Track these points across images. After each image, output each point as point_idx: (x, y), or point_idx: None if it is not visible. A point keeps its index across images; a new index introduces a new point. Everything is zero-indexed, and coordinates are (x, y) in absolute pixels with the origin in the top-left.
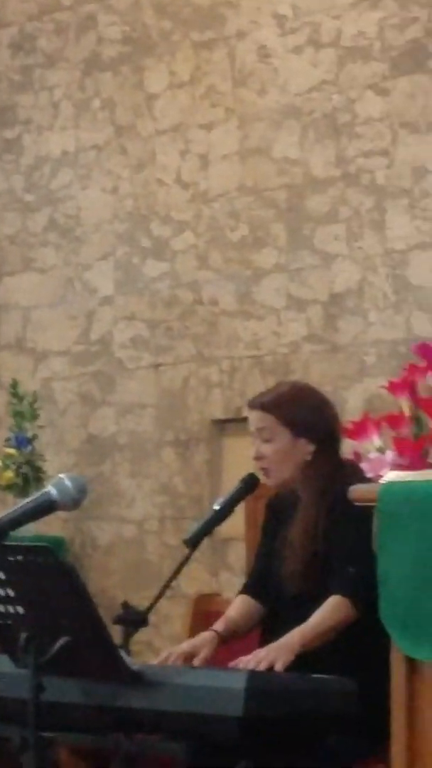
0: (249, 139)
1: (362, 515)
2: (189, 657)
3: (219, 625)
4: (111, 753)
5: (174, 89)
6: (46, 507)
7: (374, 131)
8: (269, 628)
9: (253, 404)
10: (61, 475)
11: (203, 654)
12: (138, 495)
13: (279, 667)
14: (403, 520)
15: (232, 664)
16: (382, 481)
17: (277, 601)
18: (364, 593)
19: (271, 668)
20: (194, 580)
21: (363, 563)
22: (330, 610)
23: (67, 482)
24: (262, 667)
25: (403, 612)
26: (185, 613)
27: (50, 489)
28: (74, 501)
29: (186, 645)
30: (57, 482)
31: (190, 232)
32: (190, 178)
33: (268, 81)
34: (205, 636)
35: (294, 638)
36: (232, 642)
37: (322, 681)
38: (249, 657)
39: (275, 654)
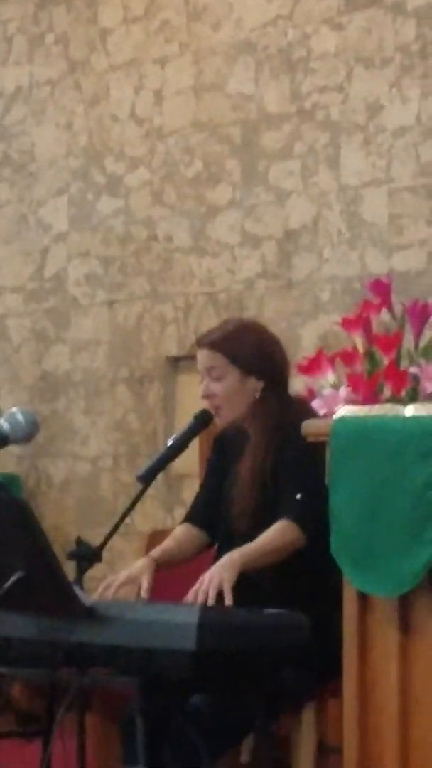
0: (203, 75)
1: (312, 450)
2: (129, 586)
3: (155, 552)
4: (64, 688)
5: (128, 24)
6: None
7: (329, 67)
8: None
9: (202, 343)
10: (13, 409)
11: (146, 583)
12: (92, 432)
13: (227, 588)
14: (355, 456)
15: (184, 599)
16: (335, 416)
17: (226, 539)
18: (312, 521)
19: (221, 600)
20: (148, 517)
21: (311, 493)
22: (275, 533)
23: (19, 416)
24: (213, 588)
25: (354, 547)
26: (139, 550)
27: (2, 423)
28: (26, 435)
29: (124, 575)
30: (9, 416)
31: (144, 169)
32: (144, 113)
33: (223, 16)
34: (142, 564)
35: (234, 556)
36: (172, 569)
37: (275, 615)
38: (195, 586)
39: (219, 573)
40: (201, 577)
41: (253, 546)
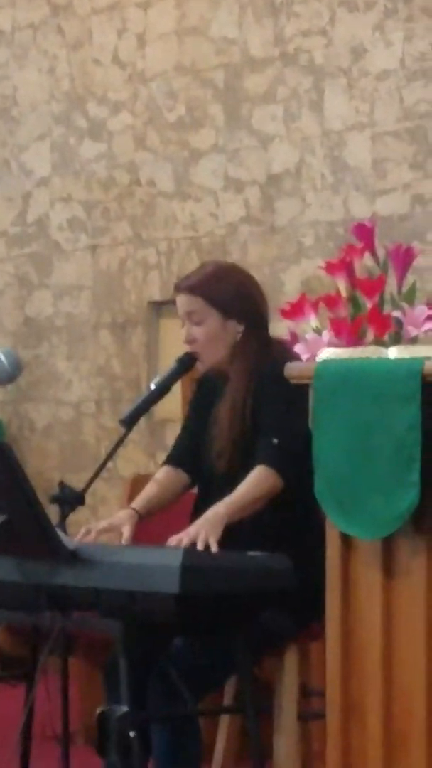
0: (186, 18)
1: (291, 392)
2: (109, 533)
3: (137, 503)
4: (48, 631)
5: None
6: None
7: (312, 10)
8: (201, 506)
9: (180, 287)
10: None
11: (126, 533)
12: (75, 377)
13: (213, 543)
14: (338, 398)
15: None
16: (318, 358)
17: (207, 481)
18: (290, 465)
19: (207, 548)
20: (131, 462)
21: (288, 436)
22: (254, 481)
23: (1, 357)
24: (200, 542)
25: (338, 489)
26: (122, 495)
27: None
28: (9, 375)
29: (105, 522)
30: None
31: (127, 113)
32: (127, 57)
33: None
34: (124, 514)
35: (219, 510)
36: (156, 516)
37: (257, 558)
38: (180, 535)
39: (205, 530)
40: (186, 531)
41: (235, 498)
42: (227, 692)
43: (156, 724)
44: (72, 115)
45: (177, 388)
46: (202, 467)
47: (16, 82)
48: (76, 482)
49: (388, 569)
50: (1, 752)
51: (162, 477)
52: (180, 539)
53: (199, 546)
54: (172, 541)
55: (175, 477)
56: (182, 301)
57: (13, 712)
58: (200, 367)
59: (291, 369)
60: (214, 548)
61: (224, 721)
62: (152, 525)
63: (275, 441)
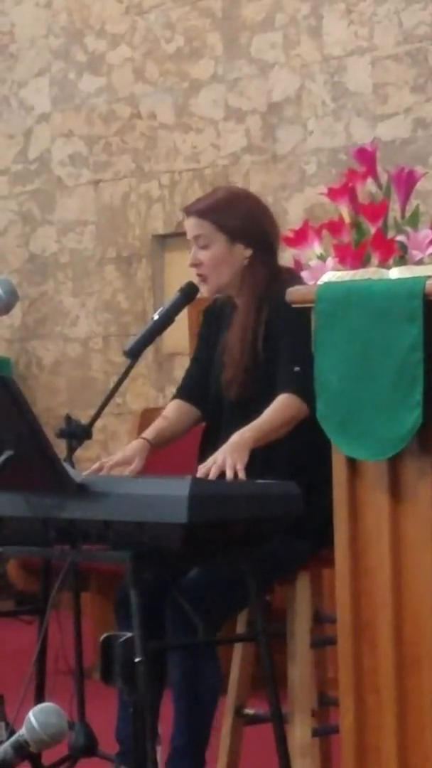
0: None
1: (301, 318)
2: (122, 466)
3: (149, 433)
4: (58, 564)
5: None
6: None
7: None
8: (210, 434)
9: (189, 211)
10: None
11: (135, 464)
12: (81, 313)
13: (241, 470)
14: (340, 320)
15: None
16: (320, 281)
17: (216, 409)
18: (311, 391)
19: (235, 474)
20: (140, 397)
21: (307, 363)
22: (280, 408)
23: None
24: (229, 469)
25: (340, 411)
26: (131, 429)
27: None
28: (5, 305)
29: (118, 456)
30: None
31: (125, 46)
32: None
33: None
34: (136, 445)
35: (245, 435)
36: (166, 448)
37: (266, 485)
38: (207, 463)
39: (231, 456)
40: (213, 457)
41: (261, 424)
42: (240, 621)
43: (173, 655)
44: (71, 49)
45: (183, 322)
46: (212, 395)
47: (13, 18)
48: (85, 418)
49: (395, 491)
50: (16, 687)
51: (172, 411)
52: (209, 468)
53: (229, 475)
54: (201, 469)
55: (186, 411)
56: (190, 224)
57: (28, 648)
58: (206, 292)
59: (292, 293)
60: (241, 475)
61: (238, 649)
62: (162, 459)
63: (297, 369)
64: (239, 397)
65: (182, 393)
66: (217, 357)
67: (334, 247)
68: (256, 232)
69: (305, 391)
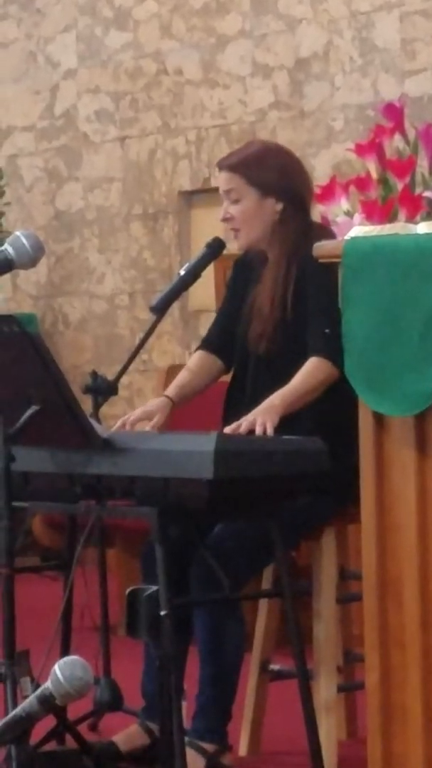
0: None
1: (329, 274)
2: (143, 421)
3: (171, 391)
4: (83, 521)
5: None
6: (5, 266)
7: None
8: (235, 389)
9: (221, 165)
10: (17, 233)
11: (157, 418)
12: (107, 270)
13: (270, 429)
14: (368, 275)
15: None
16: (347, 236)
17: (242, 362)
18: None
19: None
20: (166, 354)
21: (338, 323)
22: (310, 371)
23: (23, 240)
24: (259, 430)
25: (367, 367)
26: (157, 386)
27: (7, 248)
28: (31, 259)
29: (139, 411)
30: (13, 240)
31: (152, 1)
32: None
33: None
34: (158, 402)
35: (276, 400)
36: (191, 404)
37: (292, 441)
38: (238, 422)
39: (262, 418)
40: (245, 418)
41: (291, 388)
42: (266, 577)
43: (198, 610)
44: (97, 5)
45: (210, 278)
46: (238, 348)
47: None
48: (111, 375)
49: (422, 447)
50: (42, 643)
51: (195, 363)
52: (238, 425)
53: (258, 430)
54: (229, 429)
55: (209, 362)
56: (222, 178)
57: (54, 604)
58: (238, 247)
59: (319, 249)
60: (270, 434)
61: (263, 606)
62: (186, 413)
63: (327, 331)
64: (267, 351)
65: (207, 344)
66: (245, 310)
67: (361, 204)
68: (287, 186)
69: (336, 353)
